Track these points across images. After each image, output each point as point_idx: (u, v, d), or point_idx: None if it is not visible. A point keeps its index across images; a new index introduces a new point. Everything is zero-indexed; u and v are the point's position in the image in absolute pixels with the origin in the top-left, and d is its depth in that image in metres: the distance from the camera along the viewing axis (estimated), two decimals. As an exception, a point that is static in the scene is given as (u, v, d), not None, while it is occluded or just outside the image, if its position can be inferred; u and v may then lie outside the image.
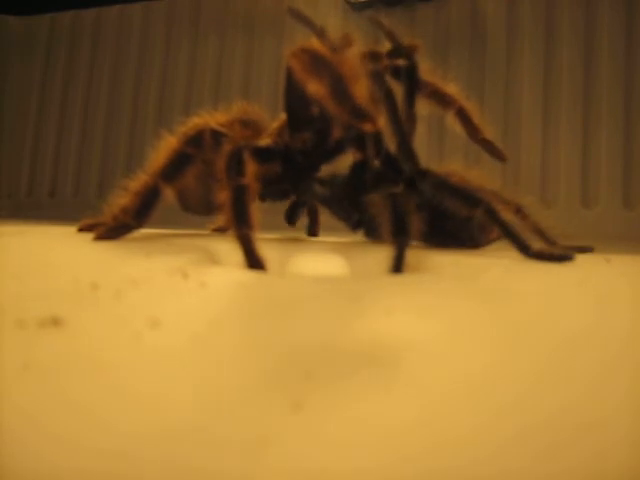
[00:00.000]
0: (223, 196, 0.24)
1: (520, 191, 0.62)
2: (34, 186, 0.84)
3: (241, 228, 0.23)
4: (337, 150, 0.30)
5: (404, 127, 0.28)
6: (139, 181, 0.28)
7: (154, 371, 0.12)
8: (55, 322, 0.14)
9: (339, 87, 0.22)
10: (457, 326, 0.15)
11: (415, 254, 0.22)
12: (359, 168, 0.28)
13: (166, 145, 0.28)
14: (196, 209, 0.35)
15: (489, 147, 0.33)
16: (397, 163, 0.27)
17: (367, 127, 0.21)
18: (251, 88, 0.72)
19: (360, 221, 0.30)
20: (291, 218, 0.34)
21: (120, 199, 0.28)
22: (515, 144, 0.62)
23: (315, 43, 0.24)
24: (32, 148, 0.85)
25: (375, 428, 0.10)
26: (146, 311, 0.15)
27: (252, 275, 0.21)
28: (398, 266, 0.22)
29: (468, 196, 0.25)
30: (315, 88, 0.22)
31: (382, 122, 0.21)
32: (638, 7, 0.60)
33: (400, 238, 0.22)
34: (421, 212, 0.24)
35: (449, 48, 0.66)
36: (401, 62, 0.29)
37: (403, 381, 0.11)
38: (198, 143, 0.27)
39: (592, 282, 0.21)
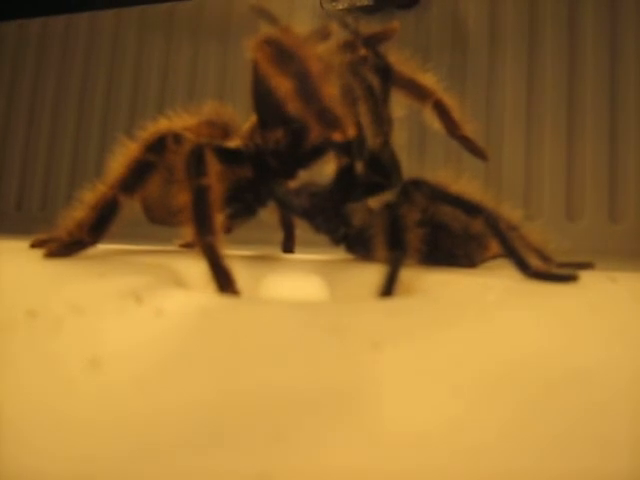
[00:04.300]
0: (183, 199, 0.22)
1: (502, 204, 0.60)
2: (1, 199, 0.81)
3: (204, 235, 0.20)
4: (315, 154, 0.27)
5: (386, 128, 0.26)
6: (96, 193, 0.25)
7: (87, 429, 0.09)
8: (-23, 360, 0.11)
9: (306, 85, 0.19)
10: (455, 364, 0.12)
11: (406, 273, 0.20)
12: (344, 174, 0.26)
13: (125, 153, 0.25)
14: (162, 220, 0.32)
15: (469, 145, 0.31)
16: (384, 168, 0.25)
17: (336, 136, 0.19)
18: (225, 95, 0.70)
19: (346, 234, 0.28)
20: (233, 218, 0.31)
21: (75, 212, 0.26)
22: (497, 155, 0.61)
23: (281, 33, 0.21)
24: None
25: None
26: (86, 347, 0.13)
27: (217, 300, 0.18)
28: (389, 287, 0.19)
29: (468, 204, 0.23)
30: (280, 84, 0.20)
31: (353, 131, 0.19)
32: (622, 12, 0.59)
33: (396, 253, 0.20)
34: (418, 225, 0.22)
35: (429, 57, 0.64)
36: (364, 52, 0.27)
37: (391, 434, 0.10)
38: (160, 149, 0.24)
39: (602, 307, 0.18)
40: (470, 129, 0.31)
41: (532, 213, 0.60)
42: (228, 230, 0.31)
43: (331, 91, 0.20)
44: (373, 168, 0.25)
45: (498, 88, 0.63)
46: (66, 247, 0.25)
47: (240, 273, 0.20)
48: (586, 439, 0.09)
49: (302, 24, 0.23)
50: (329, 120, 0.19)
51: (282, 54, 0.20)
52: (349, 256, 0.30)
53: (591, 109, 0.59)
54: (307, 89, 0.19)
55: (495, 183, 0.60)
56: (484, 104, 0.63)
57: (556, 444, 0.09)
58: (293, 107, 0.20)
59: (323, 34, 0.25)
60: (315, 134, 0.25)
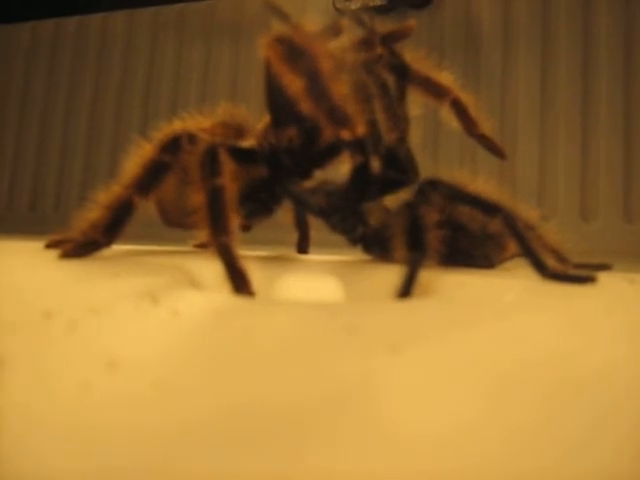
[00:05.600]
0: (198, 199, 0.22)
1: (518, 203, 0.59)
2: (14, 199, 0.82)
3: (219, 236, 0.20)
4: (330, 153, 0.27)
5: (402, 125, 0.26)
6: (111, 193, 0.25)
7: (103, 432, 0.09)
8: (-9, 361, 0.11)
9: (316, 83, 0.19)
10: (473, 365, 0.12)
11: (423, 274, 0.20)
12: (359, 172, 0.26)
13: (141, 153, 0.25)
14: (177, 222, 0.32)
15: (487, 143, 0.31)
16: (401, 165, 0.25)
17: (345, 134, 0.19)
18: (238, 95, 0.70)
19: (364, 234, 0.28)
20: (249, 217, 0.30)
21: (90, 213, 0.25)
22: (511, 155, 0.60)
23: (293, 31, 0.21)
24: (12, 160, 0.82)
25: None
26: (102, 348, 0.12)
27: (233, 301, 0.18)
28: (408, 288, 0.19)
29: (486, 203, 0.23)
30: (291, 83, 0.20)
31: (363, 128, 0.19)
32: (637, 12, 0.58)
33: (416, 254, 0.20)
34: (437, 225, 0.21)
35: (442, 56, 0.64)
36: (381, 50, 0.27)
37: (409, 435, 0.09)
38: (175, 150, 0.24)
39: (620, 308, 0.18)
40: (487, 127, 0.30)
41: (546, 213, 0.59)
42: (245, 229, 0.31)
43: (341, 89, 0.19)
44: (390, 165, 0.25)
45: (512, 87, 0.62)
46: (81, 248, 0.25)
47: (255, 274, 0.20)
48: (604, 440, 0.09)
49: (315, 24, 0.23)
50: (338, 118, 0.19)
51: (293, 52, 0.20)
52: (365, 256, 0.30)
53: (605, 108, 0.59)
54: (317, 87, 0.19)
55: (509, 183, 0.60)
56: (498, 103, 0.62)
57: (574, 445, 0.09)
58: (304, 105, 0.20)
59: (335, 30, 0.25)
60: (327, 132, 0.25)
